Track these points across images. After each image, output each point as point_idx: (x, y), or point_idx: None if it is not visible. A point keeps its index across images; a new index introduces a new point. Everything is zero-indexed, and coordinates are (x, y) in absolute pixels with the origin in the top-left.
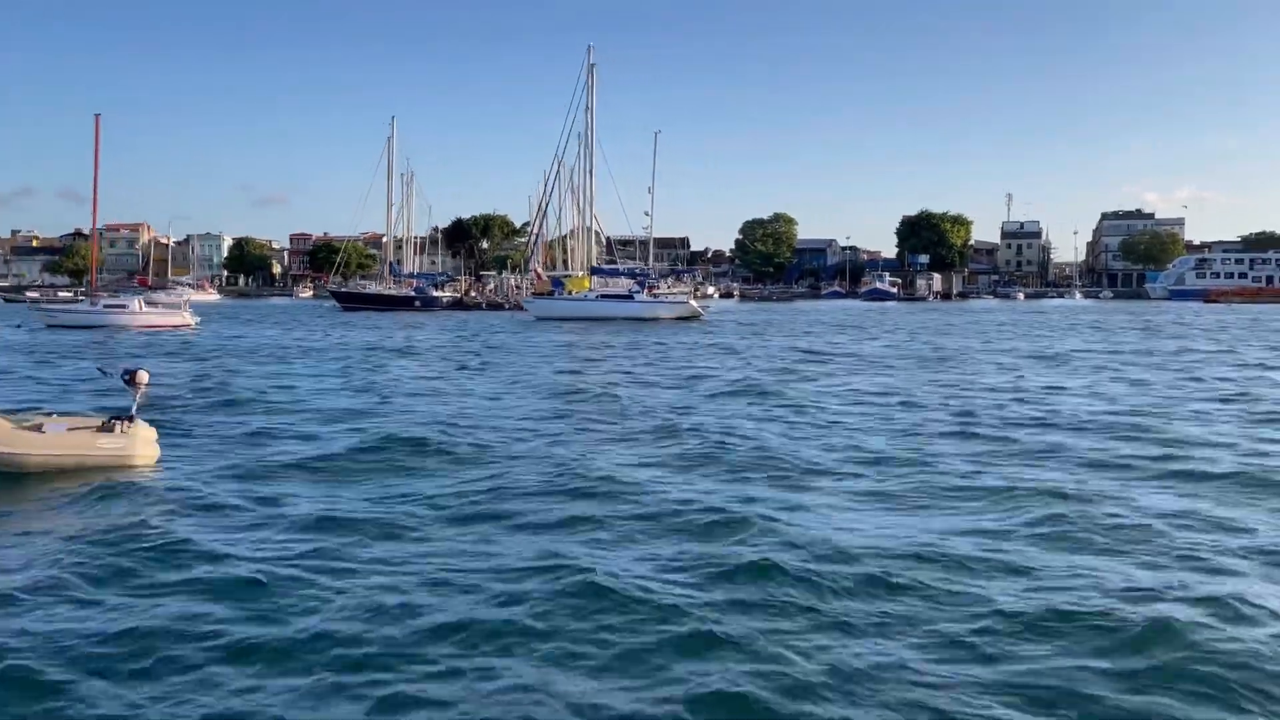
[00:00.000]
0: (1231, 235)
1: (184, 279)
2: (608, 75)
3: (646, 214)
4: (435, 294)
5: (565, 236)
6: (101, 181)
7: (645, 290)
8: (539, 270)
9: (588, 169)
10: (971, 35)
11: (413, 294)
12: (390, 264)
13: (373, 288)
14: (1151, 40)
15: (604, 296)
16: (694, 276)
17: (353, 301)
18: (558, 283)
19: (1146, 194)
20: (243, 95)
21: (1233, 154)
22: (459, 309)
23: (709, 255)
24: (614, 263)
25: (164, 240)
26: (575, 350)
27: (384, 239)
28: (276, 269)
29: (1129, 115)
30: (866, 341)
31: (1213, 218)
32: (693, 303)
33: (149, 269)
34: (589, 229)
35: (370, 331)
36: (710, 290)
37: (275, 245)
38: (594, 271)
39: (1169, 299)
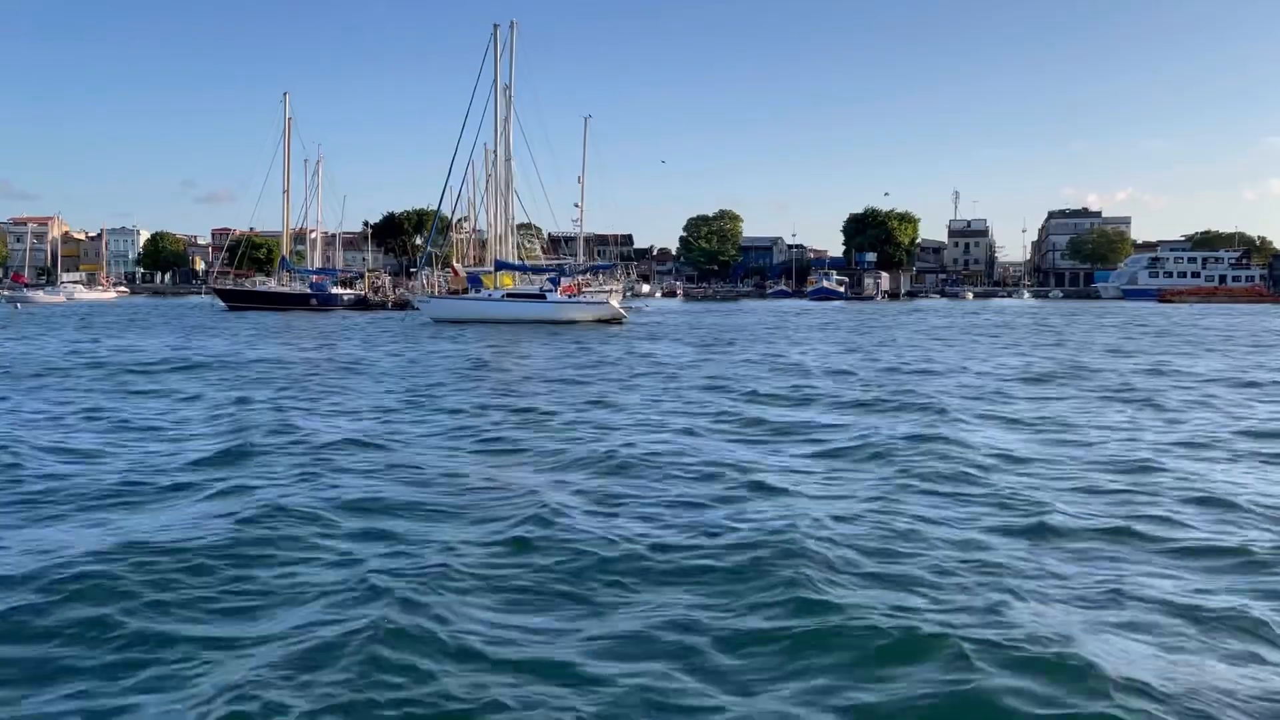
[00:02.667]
0: (1168, 237)
1: (75, 276)
2: (542, 64)
3: (577, 205)
4: (336, 292)
5: (507, 232)
6: (40, 174)
7: (560, 288)
8: (456, 266)
9: (506, 155)
10: (918, 33)
11: (309, 292)
12: (283, 258)
13: (271, 285)
14: (1095, 45)
15: (510, 296)
16: (625, 272)
17: (240, 300)
18: (474, 279)
19: (1088, 195)
20: (188, 90)
21: (1167, 157)
22: (363, 309)
23: (654, 253)
24: (540, 260)
25: (77, 235)
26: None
27: (283, 231)
28: (201, 265)
29: (1070, 118)
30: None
31: (1150, 219)
32: (614, 303)
33: (57, 264)
34: (509, 219)
35: (216, 337)
36: (645, 289)
37: (200, 241)
38: (499, 266)
39: (1122, 298)
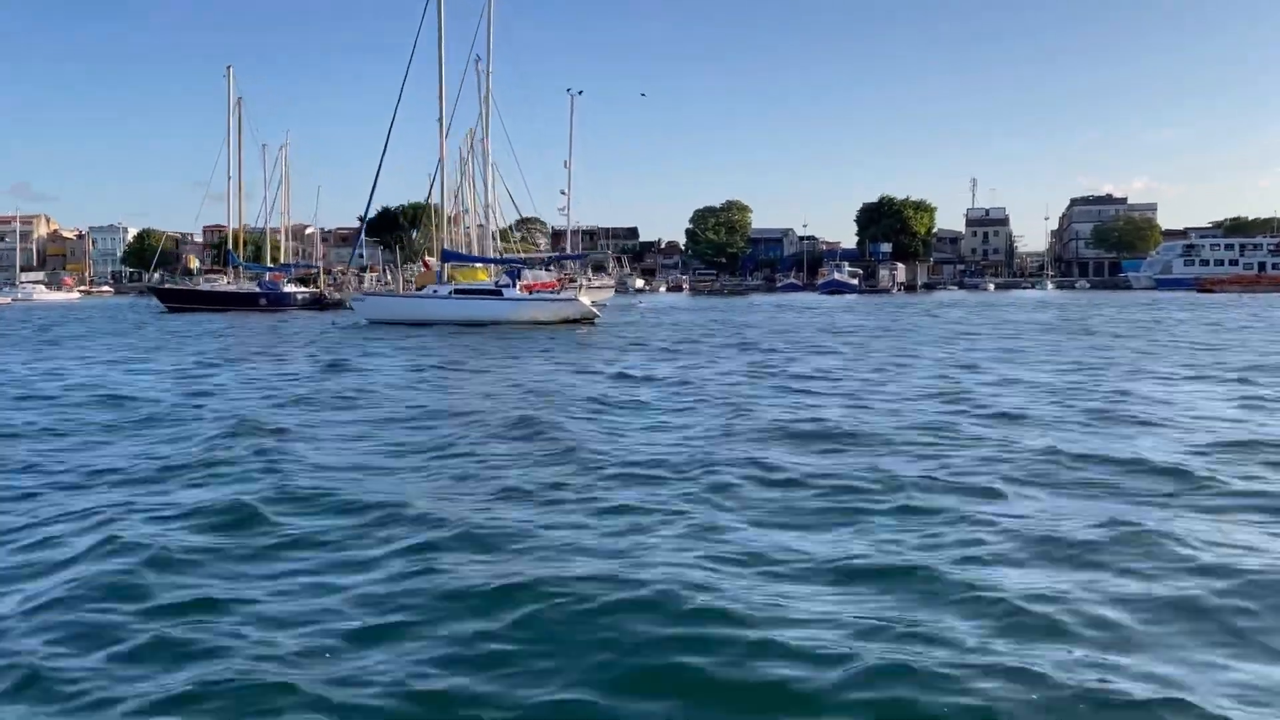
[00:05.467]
0: (1183, 226)
1: (36, 275)
2: (541, 59)
3: (563, 192)
4: (289, 290)
5: (509, 227)
6: (57, 175)
7: (520, 283)
8: (428, 260)
9: (482, 134)
10: (931, 17)
11: (258, 291)
12: (229, 253)
13: (222, 284)
14: (1102, 36)
15: (459, 292)
16: (618, 265)
17: (179, 300)
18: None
19: (1103, 185)
20: (195, 92)
21: (1177, 146)
22: (318, 308)
23: (661, 246)
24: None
25: (67, 234)
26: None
27: (232, 223)
28: (194, 263)
29: (1082, 109)
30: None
31: (1165, 209)
32: (584, 300)
33: (44, 264)
34: (488, 206)
35: (94, 343)
36: (639, 283)
37: (196, 239)
38: (446, 258)
39: (1155, 289)
